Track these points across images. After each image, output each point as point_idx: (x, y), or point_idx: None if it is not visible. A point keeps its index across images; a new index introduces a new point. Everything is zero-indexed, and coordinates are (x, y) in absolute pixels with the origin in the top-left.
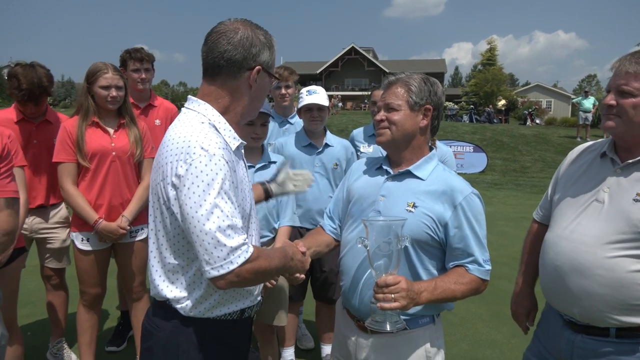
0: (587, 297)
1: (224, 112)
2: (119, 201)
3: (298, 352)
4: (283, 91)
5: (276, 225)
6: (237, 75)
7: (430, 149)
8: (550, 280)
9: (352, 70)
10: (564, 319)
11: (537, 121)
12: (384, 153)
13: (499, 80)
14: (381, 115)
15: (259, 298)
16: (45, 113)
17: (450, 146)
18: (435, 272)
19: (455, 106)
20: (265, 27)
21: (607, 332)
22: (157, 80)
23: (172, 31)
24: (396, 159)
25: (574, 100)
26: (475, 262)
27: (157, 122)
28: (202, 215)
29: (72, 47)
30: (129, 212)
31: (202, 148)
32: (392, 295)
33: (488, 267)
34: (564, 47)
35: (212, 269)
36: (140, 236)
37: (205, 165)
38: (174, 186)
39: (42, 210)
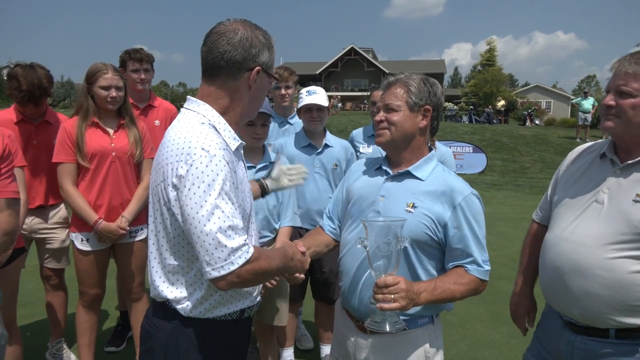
0: (587, 298)
1: (223, 113)
2: (119, 201)
3: (297, 353)
4: (283, 92)
5: (277, 226)
6: (236, 75)
7: (430, 149)
8: (550, 281)
9: (352, 70)
10: (564, 319)
11: (537, 122)
12: (384, 153)
13: (498, 81)
14: (380, 115)
15: (259, 298)
16: (45, 114)
17: (450, 147)
18: (434, 272)
19: (455, 107)
20: (264, 27)
21: (607, 333)
22: (157, 81)
23: (172, 31)
24: (395, 159)
25: (573, 101)
26: (475, 262)
27: (157, 122)
28: (202, 216)
29: (71, 48)
30: (129, 212)
31: (202, 149)
32: (392, 296)
33: (487, 267)
34: (564, 48)
35: (212, 269)
36: (140, 236)
37: (206, 166)
38: (175, 187)
39: (41, 211)
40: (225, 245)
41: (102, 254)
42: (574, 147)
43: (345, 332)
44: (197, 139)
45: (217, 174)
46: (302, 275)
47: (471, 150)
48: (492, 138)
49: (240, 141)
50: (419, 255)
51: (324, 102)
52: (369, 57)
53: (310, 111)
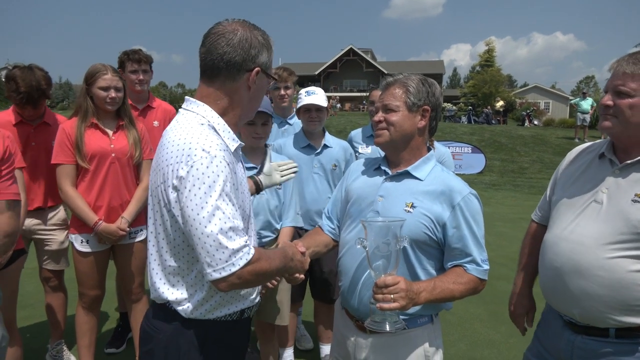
0: (586, 298)
1: (223, 114)
2: (118, 202)
3: (297, 353)
4: (282, 92)
5: (278, 226)
6: (236, 77)
7: (429, 149)
8: (550, 281)
9: (351, 71)
10: (564, 319)
11: (535, 122)
12: (382, 154)
13: (497, 82)
14: (379, 116)
15: (258, 298)
16: (44, 115)
17: (449, 147)
18: (433, 272)
19: (454, 107)
20: (263, 27)
21: (607, 333)
22: (155, 82)
23: (170, 32)
24: (394, 159)
25: (572, 102)
26: (474, 262)
27: (156, 123)
28: (203, 217)
29: (69, 48)
30: (128, 213)
31: (203, 150)
32: (392, 296)
33: (486, 266)
34: (562, 49)
35: (214, 271)
36: (140, 237)
37: (207, 167)
38: (175, 188)
39: (40, 213)
40: (227, 247)
41: (102, 255)
42: (573, 148)
43: (345, 332)
44: (197, 140)
45: (218, 175)
46: (302, 276)
47: (470, 151)
48: (491, 138)
49: (239, 142)
50: (418, 255)
51: (323, 103)
52: (368, 57)
53: (309, 111)
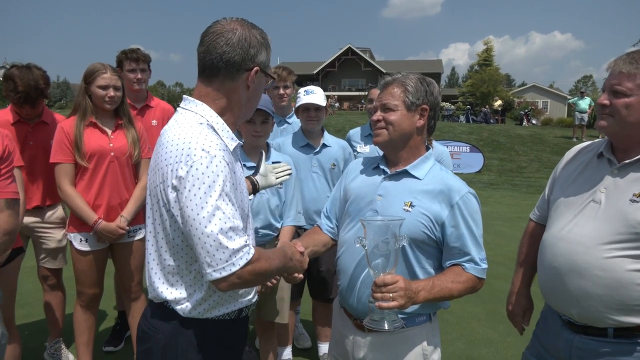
0: (585, 298)
1: (221, 113)
2: (118, 201)
3: (295, 352)
4: (281, 91)
5: (278, 225)
6: (235, 76)
7: (427, 148)
8: (549, 280)
9: (349, 70)
10: (563, 319)
11: (534, 121)
12: (381, 153)
13: (495, 81)
14: (378, 115)
15: (256, 297)
16: (42, 114)
17: (447, 146)
18: (432, 271)
19: (452, 106)
20: (261, 27)
21: (605, 332)
22: (153, 81)
23: (169, 31)
24: (393, 158)
25: (570, 101)
26: (472, 260)
27: (154, 122)
28: (203, 217)
29: (68, 48)
30: (128, 212)
31: (203, 150)
32: (390, 295)
33: (484, 265)
34: (560, 48)
35: (214, 271)
36: (138, 236)
37: (207, 167)
38: (175, 188)
39: (38, 211)
40: (227, 247)
41: (101, 254)
42: (571, 147)
43: (343, 331)
44: (196, 140)
45: (218, 175)
46: (301, 275)
47: (468, 150)
48: (489, 138)
49: (237, 141)
50: (417, 254)
51: (322, 102)
52: (366, 57)
53: (307, 111)
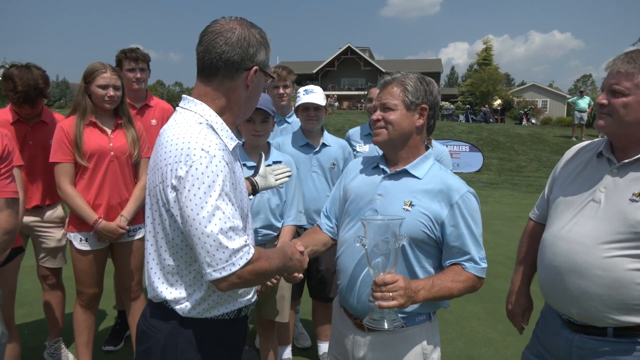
0: (585, 298)
1: (220, 113)
2: (117, 201)
3: (295, 351)
4: (281, 91)
5: (279, 225)
6: (234, 76)
7: (427, 148)
8: (548, 280)
9: (349, 70)
10: (563, 318)
11: (533, 121)
12: (380, 152)
13: (494, 80)
14: (377, 115)
15: (255, 297)
16: (41, 114)
17: (447, 146)
18: (432, 270)
19: (452, 106)
20: (260, 26)
21: (605, 332)
22: (153, 80)
23: (168, 31)
24: (393, 158)
25: (569, 100)
26: (472, 260)
27: (154, 122)
28: (203, 217)
29: (67, 47)
30: (127, 211)
31: (202, 149)
32: (390, 294)
33: (484, 265)
34: (560, 47)
35: (214, 271)
36: (138, 235)
37: (206, 167)
38: (174, 188)
39: (38, 211)
40: (227, 247)
41: (101, 254)
42: (570, 146)
43: (343, 330)
44: (196, 140)
45: (217, 175)
46: (301, 275)
47: (468, 149)
48: (489, 137)
49: (237, 141)
50: (417, 253)
51: (321, 101)
52: (366, 56)
53: (307, 110)
